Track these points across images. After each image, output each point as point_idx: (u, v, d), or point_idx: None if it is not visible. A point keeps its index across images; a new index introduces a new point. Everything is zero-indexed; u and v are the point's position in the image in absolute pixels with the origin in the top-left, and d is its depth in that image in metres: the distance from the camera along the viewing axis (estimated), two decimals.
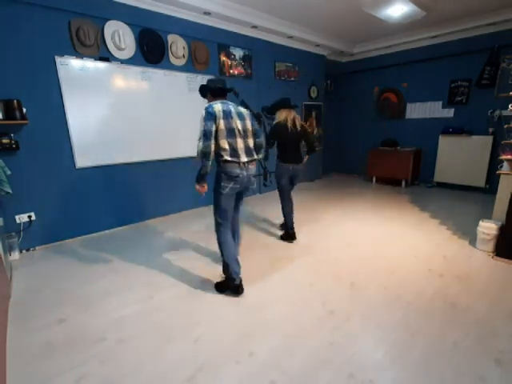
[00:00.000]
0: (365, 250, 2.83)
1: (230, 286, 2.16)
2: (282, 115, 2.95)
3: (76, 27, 2.91)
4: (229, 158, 2.12)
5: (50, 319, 1.92)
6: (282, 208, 3.16)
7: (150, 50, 3.46)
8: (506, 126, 2.73)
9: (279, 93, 5.09)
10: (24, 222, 2.92)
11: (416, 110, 5.53)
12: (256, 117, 4.85)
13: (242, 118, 2.16)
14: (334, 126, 6.74)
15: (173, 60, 3.70)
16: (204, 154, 2.06)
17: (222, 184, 2.17)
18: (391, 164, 5.52)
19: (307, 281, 2.30)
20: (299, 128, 2.93)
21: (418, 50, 5.28)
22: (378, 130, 6.13)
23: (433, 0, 3.70)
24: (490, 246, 2.69)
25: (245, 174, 2.17)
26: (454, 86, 4.95)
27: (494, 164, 4.49)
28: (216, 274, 2.38)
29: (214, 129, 2.00)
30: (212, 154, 2.07)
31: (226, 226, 2.28)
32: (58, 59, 2.88)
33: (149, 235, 3.35)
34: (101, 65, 3.15)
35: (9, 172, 2.56)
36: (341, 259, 2.65)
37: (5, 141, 2.63)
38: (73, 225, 3.24)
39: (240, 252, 2.53)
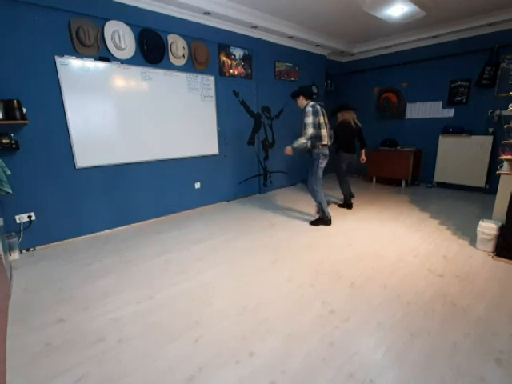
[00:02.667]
0: (365, 249, 2.83)
1: (325, 220, 3.44)
2: (345, 115, 3.91)
3: (76, 27, 2.91)
4: (325, 142, 3.15)
5: (49, 319, 1.92)
6: (342, 188, 4.09)
7: (150, 50, 3.46)
8: (506, 126, 2.72)
9: (279, 93, 5.10)
10: (24, 222, 2.92)
11: (416, 110, 5.53)
12: (256, 117, 4.86)
13: (325, 115, 3.19)
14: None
15: (173, 60, 3.70)
16: (310, 137, 3.09)
17: (321, 161, 3.20)
18: (391, 164, 5.52)
19: (307, 281, 2.30)
20: (357, 126, 3.89)
21: (418, 49, 5.28)
22: (378, 129, 6.13)
23: (433, 0, 3.70)
24: (490, 246, 2.69)
25: (328, 152, 3.24)
26: (454, 86, 4.95)
27: (494, 164, 4.49)
28: (211, 281, 2.36)
29: (317, 121, 3.07)
30: (313, 137, 3.12)
31: (321, 188, 3.36)
32: (58, 59, 2.88)
33: (149, 235, 3.35)
34: (101, 65, 3.15)
35: (9, 172, 2.56)
36: (341, 259, 2.65)
37: (5, 141, 2.63)
38: (73, 225, 3.24)
39: (237, 252, 2.52)
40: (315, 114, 3.06)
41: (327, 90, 6.26)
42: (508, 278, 2.29)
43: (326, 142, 3.15)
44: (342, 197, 4.24)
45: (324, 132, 3.13)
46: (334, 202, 4.40)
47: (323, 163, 3.23)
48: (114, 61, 3.24)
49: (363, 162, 4.16)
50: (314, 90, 3.28)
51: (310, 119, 3.05)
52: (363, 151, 4.11)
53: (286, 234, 3.29)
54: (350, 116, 3.89)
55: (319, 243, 3.01)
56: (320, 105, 3.17)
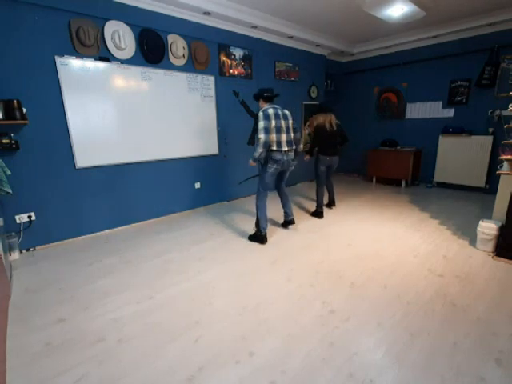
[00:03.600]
0: (365, 249, 2.83)
1: (258, 236, 3.08)
2: (319, 119, 3.82)
3: (76, 27, 2.91)
4: (275, 148, 2.95)
5: (49, 319, 1.92)
6: (317, 191, 3.93)
7: (150, 50, 3.46)
8: (506, 126, 2.72)
9: (280, 93, 5.09)
10: (24, 222, 2.92)
11: (416, 110, 5.53)
12: (255, 117, 4.85)
13: (286, 118, 3.03)
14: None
15: (173, 60, 3.70)
16: (265, 144, 2.87)
17: (269, 165, 3.01)
18: (391, 164, 5.52)
19: (307, 281, 2.30)
20: (335, 127, 3.79)
21: (418, 49, 5.28)
22: (378, 129, 6.13)
23: (433, 0, 3.70)
24: (490, 246, 2.69)
25: (285, 158, 3.01)
26: (454, 86, 4.95)
27: (494, 164, 4.49)
28: (211, 281, 2.36)
29: (269, 126, 2.87)
30: (268, 143, 2.90)
31: (265, 195, 3.15)
32: (58, 59, 2.88)
33: (149, 235, 3.35)
34: (101, 65, 3.15)
35: (9, 172, 2.56)
36: (341, 259, 2.65)
37: (5, 141, 2.63)
38: (73, 225, 3.24)
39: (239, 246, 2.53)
40: (266, 118, 2.86)
41: (327, 89, 6.26)
42: (508, 278, 2.29)
43: (274, 147, 2.93)
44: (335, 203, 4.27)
45: (272, 137, 2.91)
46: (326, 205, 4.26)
47: (272, 168, 2.98)
48: (114, 61, 3.24)
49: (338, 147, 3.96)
50: (274, 92, 3.11)
51: (260, 124, 2.86)
52: (339, 148, 3.94)
53: (286, 233, 3.29)
54: (324, 119, 3.75)
55: (319, 243, 3.01)
56: (274, 107, 2.96)
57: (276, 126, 2.93)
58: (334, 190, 4.32)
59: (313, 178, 6.18)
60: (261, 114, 2.93)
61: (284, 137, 2.99)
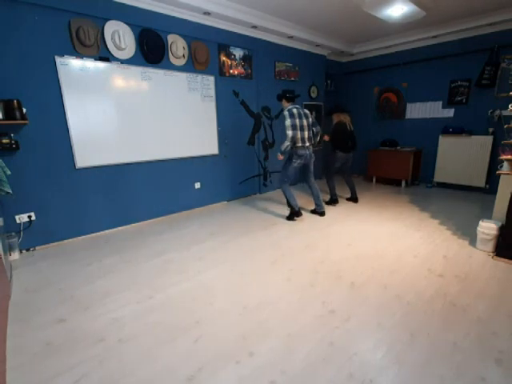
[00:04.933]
0: (365, 249, 2.83)
1: (294, 213, 3.65)
2: (340, 117, 4.14)
3: (76, 27, 2.91)
4: (300, 144, 3.40)
5: (49, 319, 1.92)
6: (328, 184, 4.31)
7: (150, 50, 3.46)
8: (506, 126, 2.72)
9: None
10: (24, 222, 2.92)
11: (416, 110, 5.53)
12: (256, 117, 4.86)
13: (306, 117, 3.47)
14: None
15: (173, 60, 3.70)
16: (292, 139, 3.32)
17: (294, 160, 3.48)
18: (391, 164, 5.52)
19: (307, 281, 2.30)
20: (352, 129, 4.17)
21: (418, 49, 5.28)
22: (378, 129, 6.13)
23: (433, 0, 3.70)
24: (490, 246, 2.69)
25: (307, 152, 3.50)
26: (454, 86, 4.95)
27: (494, 164, 4.49)
28: (211, 281, 2.36)
29: (295, 123, 3.31)
30: (295, 138, 3.35)
31: (288, 183, 3.61)
32: (58, 59, 2.88)
33: (149, 235, 3.35)
34: (101, 65, 3.15)
35: (9, 172, 2.56)
36: (341, 259, 2.65)
37: (5, 141, 2.63)
38: (73, 225, 3.24)
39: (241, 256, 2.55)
40: (291, 116, 3.31)
41: (327, 89, 6.26)
42: (508, 277, 2.29)
43: (299, 143, 3.39)
44: (349, 192, 4.53)
45: (298, 134, 3.35)
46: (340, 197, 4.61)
47: (296, 163, 3.47)
48: (114, 61, 3.24)
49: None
50: (296, 93, 3.68)
51: (287, 122, 3.28)
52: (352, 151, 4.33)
53: (286, 233, 3.29)
54: (345, 118, 4.13)
55: (319, 243, 3.01)
56: (296, 107, 3.40)
57: (300, 125, 3.37)
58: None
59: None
60: (286, 112, 3.34)
61: (306, 134, 3.44)
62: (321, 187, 4.14)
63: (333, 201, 4.33)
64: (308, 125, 3.47)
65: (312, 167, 3.69)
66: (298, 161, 3.47)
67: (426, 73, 5.26)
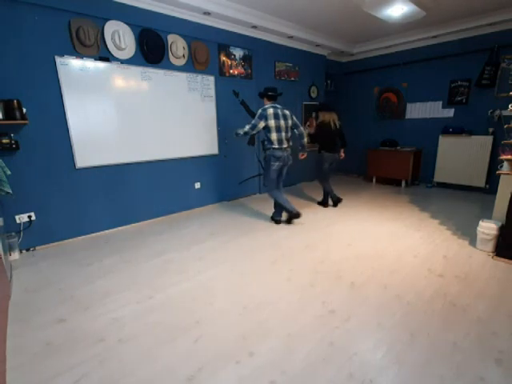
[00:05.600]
0: (365, 250, 2.83)
1: (292, 216, 3.51)
2: (324, 116, 3.98)
3: (76, 27, 2.91)
4: (276, 146, 3.24)
5: (49, 319, 1.92)
6: (324, 187, 4.21)
7: (150, 50, 3.46)
8: (506, 126, 2.72)
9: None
10: (24, 222, 2.92)
11: (416, 110, 5.53)
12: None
13: (285, 119, 3.29)
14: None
15: (173, 60, 3.70)
16: (246, 133, 3.27)
17: (272, 163, 3.28)
18: (391, 164, 5.52)
19: (307, 281, 2.30)
20: (338, 127, 3.98)
21: (418, 49, 5.28)
22: (378, 129, 6.13)
23: (433, 0, 3.70)
24: (490, 246, 2.69)
25: (285, 154, 3.32)
26: (454, 86, 4.95)
27: (494, 164, 4.49)
28: (211, 281, 2.36)
29: (260, 125, 3.20)
30: (249, 135, 3.44)
31: (273, 188, 3.46)
32: (58, 59, 2.88)
33: (149, 235, 3.35)
34: (101, 65, 3.15)
35: (9, 172, 2.56)
36: (341, 259, 2.65)
37: (5, 141, 2.63)
38: (73, 225, 3.24)
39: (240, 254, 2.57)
40: (261, 117, 3.17)
41: (327, 89, 6.26)
42: (508, 278, 2.29)
43: (276, 145, 3.23)
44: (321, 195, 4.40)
45: (273, 136, 3.20)
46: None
47: (275, 165, 3.29)
48: (114, 61, 3.24)
49: (341, 158, 4.22)
50: (278, 91, 3.36)
51: (255, 120, 3.20)
52: (342, 150, 4.18)
53: (286, 233, 3.29)
54: (330, 117, 3.96)
55: (319, 243, 3.01)
56: (274, 107, 3.22)
57: (276, 126, 3.19)
58: (334, 190, 4.33)
59: (313, 178, 6.21)
60: (260, 111, 3.20)
61: (284, 135, 3.27)
62: (318, 191, 4.16)
63: (336, 201, 4.25)
64: (287, 126, 3.30)
65: (285, 171, 3.49)
66: (277, 163, 3.28)
67: (426, 73, 5.26)
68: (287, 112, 3.33)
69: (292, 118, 3.37)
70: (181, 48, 3.70)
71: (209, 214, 4.09)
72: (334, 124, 3.95)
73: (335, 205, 4.26)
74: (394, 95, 5.77)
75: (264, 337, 1.70)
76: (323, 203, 4.30)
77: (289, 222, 3.60)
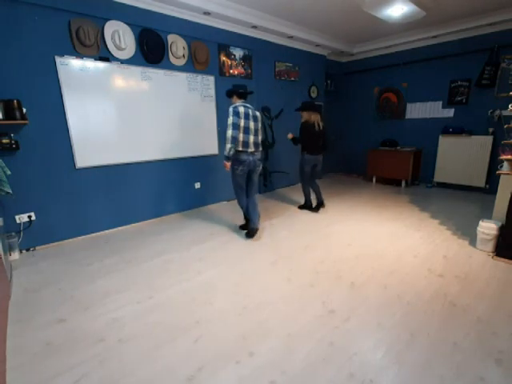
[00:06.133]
0: (365, 250, 2.83)
1: (247, 229, 3.22)
2: (310, 116, 3.75)
3: (76, 27, 2.91)
4: (241, 149, 2.93)
5: (49, 319, 1.92)
6: (303, 189, 4.07)
7: (150, 50, 3.46)
8: (506, 126, 2.72)
9: (279, 93, 5.11)
10: (24, 222, 2.92)
11: (416, 110, 5.53)
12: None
13: (255, 120, 3.02)
14: (333, 126, 6.74)
15: (173, 60, 3.70)
16: (233, 140, 2.83)
17: (235, 167, 3.01)
18: (391, 164, 5.52)
19: (307, 281, 2.30)
20: (321, 128, 3.77)
21: (418, 49, 5.28)
22: (378, 129, 6.13)
23: (433, 0, 3.70)
24: (490, 246, 2.69)
25: (251, 159, 3.01)
26: (454, 86, 4.95)
27: (494, 164, 4.49)
28: (211, 281, 2.36)
29: (238, 123, 2.84)
30: (236, 139, 2.87)
31: (240, 193, 3.18)
32: (58, 59, 2.88)
33: (149, 235, 3.35)
34: (101, 65, 3.15)
35: (9, 172, 2.56)
36: (341, 259, 2.65)
37: (5, 141, 2.63)
38: (73, 225, 3.24)
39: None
40: (236, 114, 2.83)
41: (327, 89, 6.26)
42: (508, 278, 2.29)
43: (240, 147, 2.91)
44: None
45: (240, 137, 2.88)
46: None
47: (238, 169, 2.98)
48: (114, 61, 3.24)
49: None
50: (248, 89, 3.18)
51: (230, 120, 2.83)
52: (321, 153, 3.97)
53: (286, 233, 3.29)
54: (315, 117, 3.73)
55: (319, 243, 3.01)
56: (245, 106, 2.94)
57: (245, 127, 2.90)
58: (334, 190, 4.33)
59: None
60: (231, 109, 2.85)
61: (252, 138, 2.98)
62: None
63: (307, 206, 4.09)
64: (256, 129, 3.00)
65: (256, 178, 3.19)
66: (240, 167, 2.97)
67: (426, 73, 5.26)
68: (258, 114, 3.07)
69: (261, 122, 3.11)
70: (181, 48, 3.70)
71: (209, 214, 4.09)
72: (318, 125, 3.74)
73: (315, 209, 4.03)
74: (394, 95, 5.77)
75: (264, 337, 1.70)
76: (307, 207, 4.10)
77: (241, 227, 3.37)
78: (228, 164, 2.95)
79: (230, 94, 3.04)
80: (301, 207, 4.19)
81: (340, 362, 1.51)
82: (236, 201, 3.29)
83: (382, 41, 5.46)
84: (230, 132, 2.81)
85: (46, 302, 2.11)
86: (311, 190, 4.07)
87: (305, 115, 3.79)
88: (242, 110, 2.88)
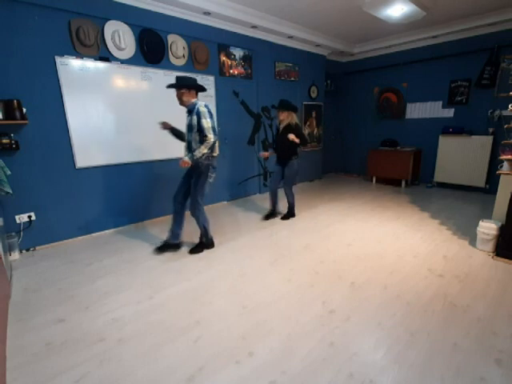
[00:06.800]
0: (365, 250, 2.83)
1: (208, 244, 2.93)
2: (294, 118, 3.45)
3: (76, 27, 2.91)
4: (216, 154, 2.66)
5: (49, 319, 1.92)
6: (292, 197, 3.76)
7: (150, 50, 3.46)
8: (506, 126, 2.73)
9: (279, 93, 5.10)
10: (24, 222, 2.92)
11: (416, 110, 5.53)
12: (256, 117, 4.86)
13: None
14: (333, 126, 6.75)
15: (173, 60, 3.70)
16: (213, 146, 2.55)
17: (210, 174, 2.66)
18: (391, 164, 5.52)
19: (307, 281, 2.30)
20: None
21: (418, 49, 5.28)
22: (378, 129, 6.13)
23: (433, 0, 3.70)
24: (490, 246, 2.69)
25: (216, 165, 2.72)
26: (454, 86, 4.95)
27: (494, 164, 4.49)
28: (211, 281, 2.36)
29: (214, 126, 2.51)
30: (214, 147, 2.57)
31: (202, 205, 2.80)
32: (58, 59, 2.88)
33: (149, 235, 3.35)
34: (101, 65, 3.15)
35: (9, 172, 2.56)
36: (341, 259, 2.65)
37: (5, 141, 2.63)
38: (73, 225, 3.24)
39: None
40: (212, 116, 2.52)
41: (327, 89, 6.26)
42: (508, 278, 2.29)
43: (216, 152, 2.64)
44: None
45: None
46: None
47: (212, 177, 2.69)
48: (114, 61, 3.24)
49: (266, 157, 3.89)
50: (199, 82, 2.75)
51: (209, 122, 2.46)
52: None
53: (286, 233, 3.29)
54: (293, 120, 3.45)
55: (319, 243, 3.01)
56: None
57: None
58: (334, 190, 4.32)
59: (313, 178, 6.22)
60: (205, 109, 2.48)
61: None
62: (318, 190, 4.14)
63: (292, 214, 3.80)
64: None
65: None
66: (214, 175, 2.71)
67: (425, 73, 5.26)
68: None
69: None
70: (181, 48, 3.70)
71: (209, 214, 4.07)
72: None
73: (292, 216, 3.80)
74: (394, 95, 5.77)
75: (264, 337, 1.70)
76: (289, 215, 3.79)
77: (196, 250, 2.85)
78: (188, 163, 2.51)
79: (189, 87, 2.53)
80: (284, 217, 3.78)
81: (340, 362, 1.51)
82: (195, 214, 2.79)
83: (382, 41, 5.46)
84: (212, 137, 2.48)
85: (46, 302, 2.11)
86: (278, 197, 3.79)
87: (292, 116, 3.46)
88: (210, 109, 2.58)
